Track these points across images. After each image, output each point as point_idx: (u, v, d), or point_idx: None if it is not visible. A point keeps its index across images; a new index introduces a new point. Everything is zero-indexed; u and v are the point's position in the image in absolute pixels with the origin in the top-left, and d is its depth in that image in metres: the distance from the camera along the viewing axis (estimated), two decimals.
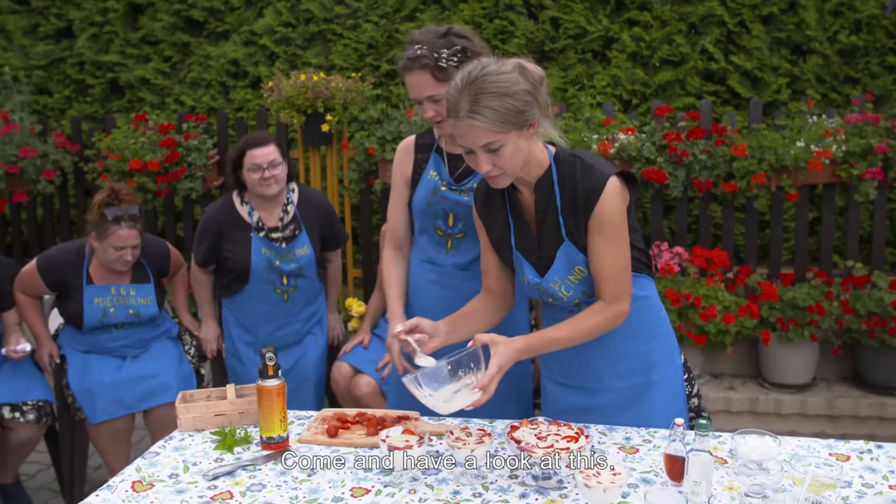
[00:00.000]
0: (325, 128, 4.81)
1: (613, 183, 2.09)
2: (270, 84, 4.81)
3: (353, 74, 5.17)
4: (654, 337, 2.27)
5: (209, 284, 3.88)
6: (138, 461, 2.16)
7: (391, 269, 2.70)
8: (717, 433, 2.21)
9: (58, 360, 3.65)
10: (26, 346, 3.50)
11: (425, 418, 2.37)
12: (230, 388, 2.41)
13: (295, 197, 3.73)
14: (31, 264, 3.62)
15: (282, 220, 3.68)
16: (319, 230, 3.72)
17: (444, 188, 2.59)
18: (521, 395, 2.69)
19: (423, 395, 1.99)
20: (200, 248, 3.70)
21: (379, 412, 2.36)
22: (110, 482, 2.04)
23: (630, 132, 4.62)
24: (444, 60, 2.38)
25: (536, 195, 2.17)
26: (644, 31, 5.58)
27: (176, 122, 5.50)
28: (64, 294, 3.60)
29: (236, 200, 3.68)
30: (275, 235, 3.65)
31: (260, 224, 3.65)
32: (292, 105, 4.71)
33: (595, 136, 4.59)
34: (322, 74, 4.81)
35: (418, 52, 2.39)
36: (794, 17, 5.45)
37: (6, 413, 3.45)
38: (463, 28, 2.48)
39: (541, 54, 5.78)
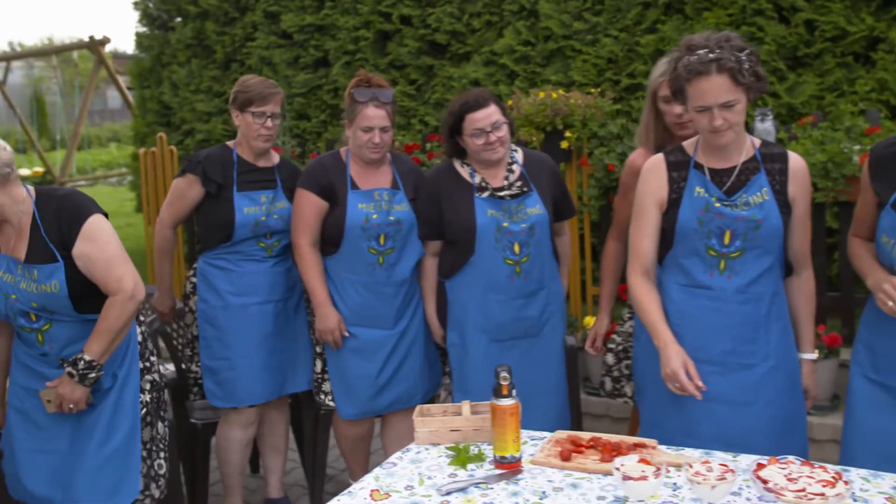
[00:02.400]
0: (564, 144, 4.79)
1: None
2: (510, 102, 4.87)
3: (593, 90, 5.12)
4: None
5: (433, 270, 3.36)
6: (377, 470, 2.24)
7: (649, 296, 2.52)
8: None
9: (346, 335, 3.32)
10: None
11: (663, 447, 2.26)
12: (465, 405, 2.44)
13: (520, 157, 3.30)
14: (297, 192, 3.34)
15: (507, 178, 3.21)
16: (551, 192, 3.26)
17: (717, 204, 2.45)
18: (790, 424, 2.50)
19: None
20: (420, 219, 3.29)
21: (614, 438, 2.28)
22: (351, 489, 2.13)
23: None
24: (745, 63, 2.31)
25: None
26: None
27: (420, 141, 5.72)
28: (332, 203, 3.31)
29: (457, 163, 3.25)
30: (501, 194, 3.17)
31: (483, 184, 3.20)
32: (531, 123, 4.74)
33: (857, 147, 4.20)
34: (561, 91, 4.80)
35: (715, 54, 2.31)
36: None
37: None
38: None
39: (793, 60, 5.41)
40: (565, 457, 2.19)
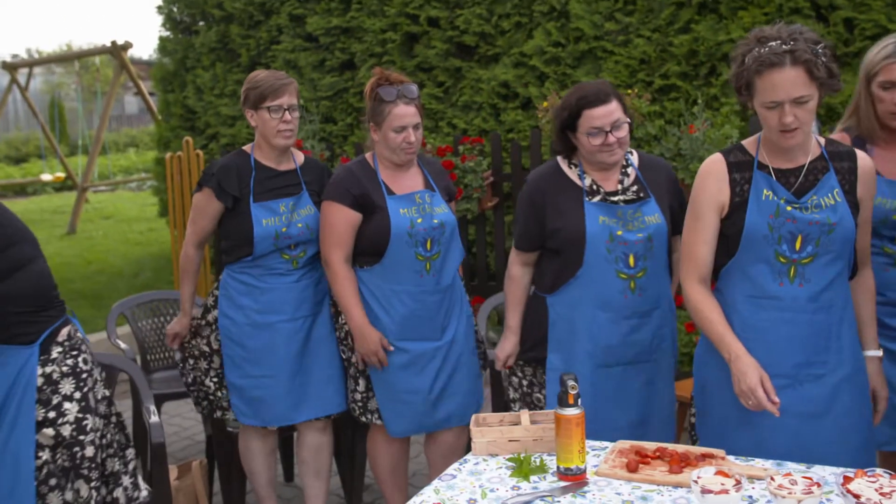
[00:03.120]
0: None
1: None
2: (546, 104, 4.79)
3: (628, 92, 5.03)
4: None
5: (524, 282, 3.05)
6: (436, 482, 2.16)
7: (711, 305, 2.38)
8: None
9: (390, 349, 3.15)
10: None
11: (731, 457, 2.17)
12: (524, 414, 2.37)
13: (635, 159, 2.96)
14: (325, 205, 3.14)
15: (621, 182, 2.88)
16: (670, 200, 2.90)
17: (789, 208, 2.32)
18: (863, 434, 2.40)
19: None
20: (518, 227, 2.97)
21: (680, 448, 2.20)
22: (412, 502, 2.05)
23: None
24: (822, 56, 2.20)
25: None
26: None
27: (452, 144, 5.65)
28: (368, 213, 3.12)
29: (563, 163, 2.92)
30: (614, 199, 2.84)
31: (594, 187, 2.85)
32: None
33: None
34: None
35: (789, 45, 2.18)
36: None
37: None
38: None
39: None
40: (632, 468, 2.11)
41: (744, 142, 2.49)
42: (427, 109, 6.57)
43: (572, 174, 2.88)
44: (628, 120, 2.80)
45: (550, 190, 2.87)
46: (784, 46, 2.19)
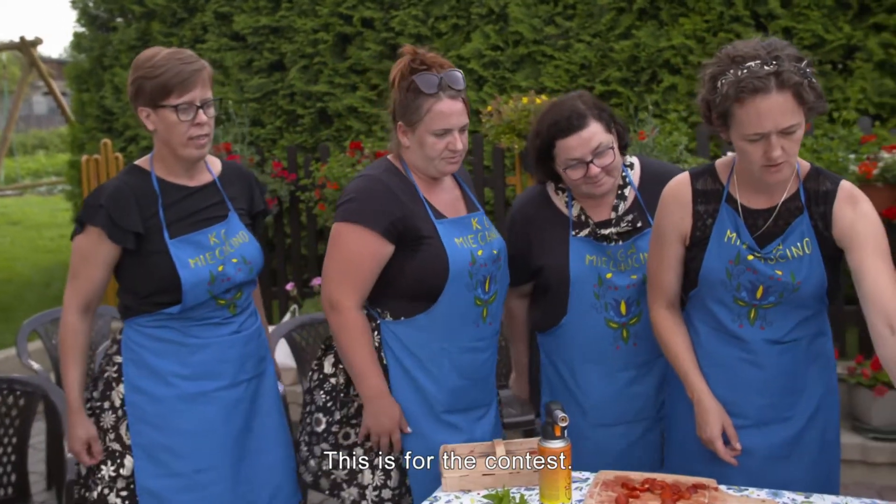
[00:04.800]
0: None
1: None
2: (489, 108, 4.64)
3: None
4: None
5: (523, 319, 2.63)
6: None
7: (678, 337, 2.18)
8: None
9: (407, 431, 2.37)
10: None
11: (724, 487, 2.04)
12: (499, 444, 2.18)
13: (635, 174, 2.48)
14: (342, 227, 2.31)
15: (616, 208, 2.44)
16: None
17: (750, 257, 2.07)
18: (827, 466, 2.25)
19: None
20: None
21: (669, 478, 2.05)
22: None
23: (895, 150, 4.08)
24: (809, 77, 1.92)
25: None
26: (894, 37, 5.00)
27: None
28: (408, 244, 2.32)
29: (550, 187, 2.50)
30: (605, 232, 2.42)
31: (583, 218, 2.45)
32: (513, 130, 4.51)
33: (853, 156, 4.09)
34: (545, 97, 4.59)
35: (773, 66, 1.89)
36: None
37: None
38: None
39: None
40: (622, 503, 1.94)
41: (718, 163, 2.22)
42: (360, 113, 6.37)
43: (559, 201, 2.48)
44: (613, 141, 2.35)
45: (537, 219, 2.47)
46: (767, 68, 1.90)
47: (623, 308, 2.38)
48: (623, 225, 2.41)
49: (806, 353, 2.17)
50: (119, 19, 7.59)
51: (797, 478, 2.16)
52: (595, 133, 2.31)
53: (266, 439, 2.47)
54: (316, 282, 5.35)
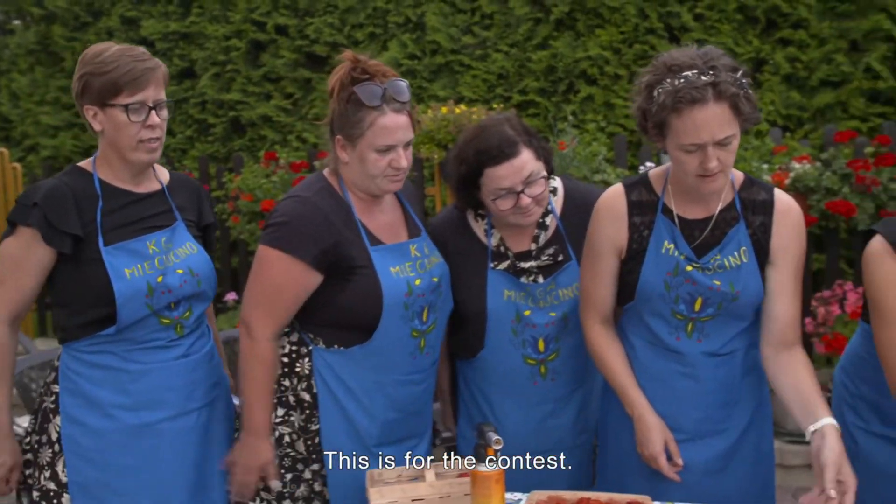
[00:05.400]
0: None
1: None
2: None
3: (490, 107, 4.91)
4: None
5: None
6: None
7: (613, 353, 2.14)
8: None
9: (273, 483, 2.21)
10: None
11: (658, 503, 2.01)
12: (428, 470, 2.10)
13: (557, 201, 2.37)
14: (268, 251, 2.15)
15: (536, 239, 2.33)
16: None
17: (689, 268, 2.03)
18: (761, 480, 2.24)
19: None
20: None
21: (604, 496, 2.01)
22: None
23: (804, 160, 4.20)
24: (746, 88, 1.89)
25: None
26: (799, 51, 5.15)
27: (307, 159, 5.31)
28: (340, 273, 2.16)
29: (469, 212, 2.37)
30: (525, 265, 2.31)
31: (502, 249, 2.33)
32: (432, 140, 4.45)
33: (766, 166, 4.19)
34: (463, 107, 4.55)
35: (710, 76, 1.87)
36: None
37: None
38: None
39: None
40: None
41: (651, 173, 2.18)
42: (275, 122, 6.22)
43: (478, 228, 2.35)
44: (544, 170, 2.23)
45: (455, 248, 2.33)
46: (704, 78, 1.87)
47: (541, 345, 2.28)
48: (543, 258, 2.31)
49: (742, 366, 2.16)
50: (16, 22, 7.25)
51: (733, 490, 2.16)
52: (526, 161, 2.19)
53: (219, 475, 2.24)
54: (230, 296, 5.18)
